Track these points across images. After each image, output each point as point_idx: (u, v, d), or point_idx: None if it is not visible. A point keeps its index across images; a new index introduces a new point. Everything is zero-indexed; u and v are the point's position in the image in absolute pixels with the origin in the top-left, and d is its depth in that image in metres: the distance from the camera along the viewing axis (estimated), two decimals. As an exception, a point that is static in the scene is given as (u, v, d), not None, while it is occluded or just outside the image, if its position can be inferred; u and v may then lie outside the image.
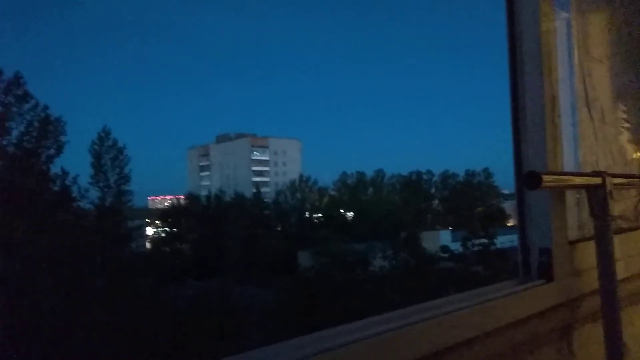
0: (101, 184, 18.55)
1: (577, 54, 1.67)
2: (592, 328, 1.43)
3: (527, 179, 1.20)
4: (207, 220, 28.18)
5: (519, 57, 1.40)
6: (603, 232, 1.35)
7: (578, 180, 1.41)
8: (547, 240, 1.33)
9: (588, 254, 1.47)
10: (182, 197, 32.87)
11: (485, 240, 23.14)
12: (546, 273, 1.32)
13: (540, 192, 1.33)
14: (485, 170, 34.39)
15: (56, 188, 16.14)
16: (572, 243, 1.44)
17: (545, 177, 1.20)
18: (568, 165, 1.54)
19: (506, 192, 33.33)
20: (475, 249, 23.15)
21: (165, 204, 34.03)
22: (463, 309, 1.09)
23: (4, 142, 15.16)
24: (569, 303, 1.38)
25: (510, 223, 30.00)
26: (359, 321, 1.00)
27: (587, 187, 1.38)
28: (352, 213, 32.38)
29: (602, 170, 1.49)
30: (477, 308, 1.11)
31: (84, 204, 17.59)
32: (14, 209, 13.90)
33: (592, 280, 1.42)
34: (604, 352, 1.33)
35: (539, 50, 1.36)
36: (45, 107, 15.85)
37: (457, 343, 1.04)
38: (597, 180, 1.37)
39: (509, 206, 31.53)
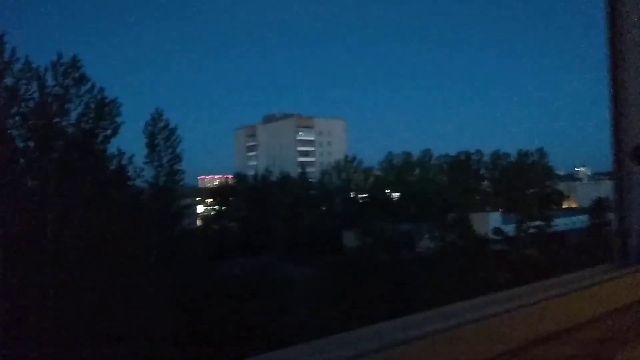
0: (155, 164, 19.22)
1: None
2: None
3: (637, 153, 1.10)
4: (254, 200, 28.74)
5: (619, 27, 1.28)
6: None
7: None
8: (648, 223, 1.22)
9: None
10: (230, 176, 33.61)
11: (541, 223, 22.37)
12: (648, 258, 1.22)
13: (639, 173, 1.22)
14: (540, 150, 33.05)
15: (113, 167, 16.82)
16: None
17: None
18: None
19: (561, 173, 32.02)
20: (530, 231, 22.43)
21: (214, 183, 34.95)
22: (559, 296, 1.02)
23: (64, 124, 15.91)
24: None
25: (565, 205, 28.87)
26: (435, 309, 0.95)
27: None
28: (398, 194, 32.08)
29: None
30: (573, 295, 1.04)
31: (139, 183, 18.30)
32: (74, 188, 14.63)
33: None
34: None
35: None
36: (102, 89, 16.45)
37: (554, 332, 0.98)
38: None
39: (564, 187, 30.30)
